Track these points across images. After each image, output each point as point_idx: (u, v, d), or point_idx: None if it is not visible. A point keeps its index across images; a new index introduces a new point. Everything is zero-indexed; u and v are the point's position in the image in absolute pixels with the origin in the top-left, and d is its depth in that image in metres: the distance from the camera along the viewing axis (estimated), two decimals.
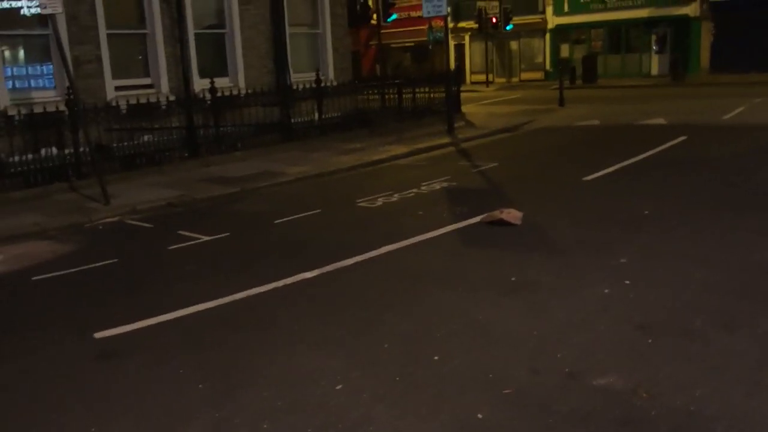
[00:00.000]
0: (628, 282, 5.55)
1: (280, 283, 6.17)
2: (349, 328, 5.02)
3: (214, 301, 5.81)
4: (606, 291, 5.39)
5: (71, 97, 11.21)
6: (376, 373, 4.25)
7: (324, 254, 6.95)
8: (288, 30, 16.68)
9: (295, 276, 6.32)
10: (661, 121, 15.94)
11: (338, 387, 4.10)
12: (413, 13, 35.71)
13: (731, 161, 10.73)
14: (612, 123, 16.43)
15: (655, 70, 32.64)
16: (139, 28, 14.24)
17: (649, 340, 4.45)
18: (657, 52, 32.69)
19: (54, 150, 12.07)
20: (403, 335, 4.81)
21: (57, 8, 9.77)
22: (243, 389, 4.17)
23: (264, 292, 5.99)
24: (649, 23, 32.45)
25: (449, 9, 39.43)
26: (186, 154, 13.82)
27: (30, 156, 11.76)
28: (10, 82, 12.40)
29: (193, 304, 5.75)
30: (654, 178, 9.75)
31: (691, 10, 30.73)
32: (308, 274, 6.36)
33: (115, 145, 12.91)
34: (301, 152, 14.48)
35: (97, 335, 5.29)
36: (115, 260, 7.47)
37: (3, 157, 11.40)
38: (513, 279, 5.80)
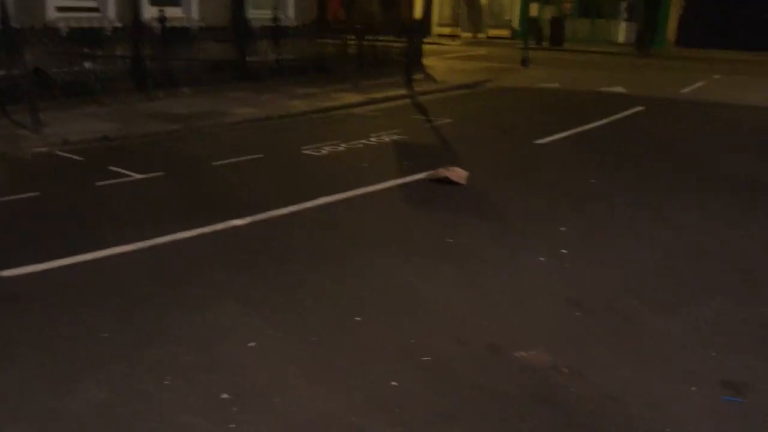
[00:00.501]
0: (564, 251, 5.40)
1: (208, 229, 5.85)
2: (272, 283, 4.76)
3: (135, 243, 5.48)
4: (542, 259, 5.23)
5: (3, 14, 10.49)
6: (294, 332, 4.02)
7: (259, 201, 6.65)
8: None
9: (226, 222, 6.02)
10: (621, 89, 15.83)
11: (251, 344, 3.86)
12: None
13: (683, 136, 10.69)
14: (572, 88, 16.25)
15: (622, 38, 32.46)
16: None
17: (579, 314, 4.30)
18: (626, 20, 32.50)
19: None
20: (328, 294, 4.58)
21: None
22: (151, 342, 3.91)
23: (190, 238, 5.67)
24: None
25: None
26: (131, 87, 13.19)
27: None
28: None
29: (112, 246, 5.41)
30: (605, 146, 9.64)
31: None
32: (239, 221, 6.06)
33: (54, 70, 12.22)
34: (253, 93, 13.97)
35: (4, 273, 4.93)
36: (37, 193, 7.03)
37: None
38: (450, 241, 5.60)
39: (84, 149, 9.15)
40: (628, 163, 8.67)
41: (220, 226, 5.92)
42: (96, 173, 7.80)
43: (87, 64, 12.63)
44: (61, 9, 12.79)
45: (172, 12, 14.31)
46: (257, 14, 15.85)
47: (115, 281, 4.80)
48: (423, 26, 32.11)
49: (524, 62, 20.71)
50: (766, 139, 10.56)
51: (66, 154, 8.88)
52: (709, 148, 9.82)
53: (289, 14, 17.10)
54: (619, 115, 12.17)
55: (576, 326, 4.16)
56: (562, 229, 5.97)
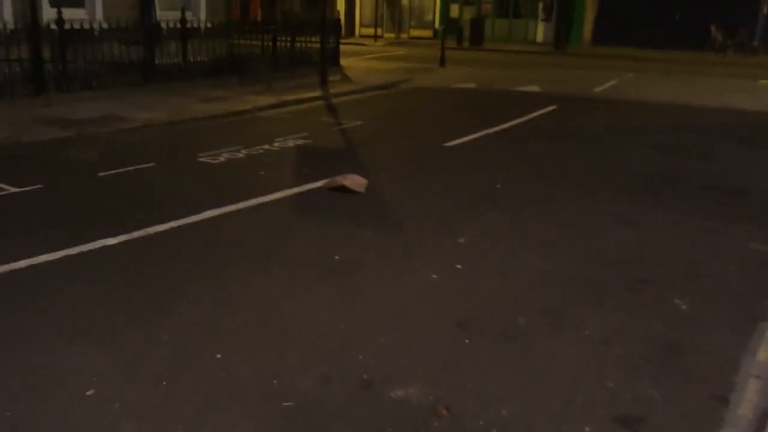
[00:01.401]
0: (459, 267, 5.09)
1: (75, 251, 5.32)
2: (130, 314, 4.27)
3: None
4: (434, 276, 4.90)
5: None
6: (141, 374, 3.56)
7: (139, 216, 6.13)
8: None
9: (96, 242, 5.49)
10: (535, 88, 15.81)
11: (89, 393, 3.38)
12: None
13: (592, 135, 10.61)
14: (488, 87, 16.15)
15: (540, 38, 32.89)
16: None
17: (466, 341, 3.98)
18: (543, 20, 32.89)
19: None
20: (190, 325, 4.12)
21: None
22: None
23: (52, 261, 5.13)
24: None
25: None
26: (28, 91, 12.38)
27: None
28: None
29: None
30: (515, 148, 9.45)
31: None
32: (111, 240, 5.54)
33: None
34: (159, 96, 13.32)
35: None
36: None
37: None
38: (336, 258, 5.22)
39: None
40: (536, 165, 8.49)
41: (88, 246, 5.39)
42: None
43: None
44: None
45: (75, 13, 13.57)
46: (166, 15, 15.18)
47: None
48: (344, 26, 31.77)
49: (442, 62, 20.57)
50: (671, 135, 10.57)
51: None
52: (618, 146, 9.75)
53: (201, 15, 16.47)
54: (532, 115, 12.08)
55: (462, 354, 3.83)
56: (460, 240, 5.67)
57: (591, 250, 5.53)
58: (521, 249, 5.51)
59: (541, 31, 32.90)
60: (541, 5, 32.77)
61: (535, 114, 12.20)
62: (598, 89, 15.98)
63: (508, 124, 11.09)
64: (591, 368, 3.73)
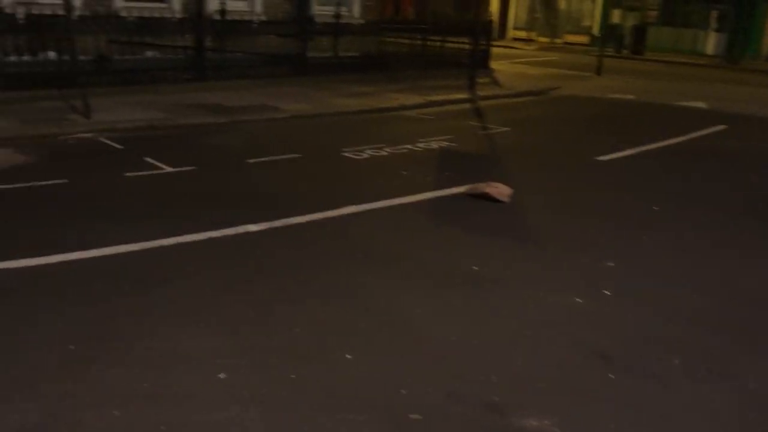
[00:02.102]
0: (607, 293, 4.73)
1: (218, 233, 5.45)
2: (263, 302, 4.29)
3: (137, 243, 5.14)
4: (578, 300, 4.58)
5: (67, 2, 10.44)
6: (270, 365, 3.54)
7: (280, 205, 6.23)
8: None
9: (239, 227, 5.60)
10: (701, 104, 14.75)
11: (220, 376, 3.40)
12: None
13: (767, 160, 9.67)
14: (647, 100, 15.25)
15: (710, 49, 30.76)
16: None
17: (610, 376, 3.66)
18: (715, 30, 30.79)
19: (53, 55, 11.40)
20: (321, 321, 4.07)
21: None
22: (107, 362, 3.49)
23: (196, 242, 5.29)
24: None
25: None
26: (190, 76, 13.07)
27: (27, 58, 11.13)
28: None
29: (111, 245, 5.09)
30: (676, 169, 8.75)
31: None
32: (253, 227, 5.63)
33: (116, 57, 12.19)
34: (308, 89, 13.64)
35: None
36: (65, 181, 6.84)
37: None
38: (474, 268, 5.01)
39: (127, 137, 8.99)
40: (699, 190, 7.79)
41: (231, 230, 5.51)
42: (129, 163, 7.58)
43: (149, 53, 12.58)
44: None
45: (236, 5, 14.18)
46: (321, 10, 15.54)
47: (98, 285, 4.45)
48: (496, 29, 31.31)
49: (599, 70, 19.73)
50: None
51: (108, 141, 8.72)
52: None
53: (354, 11, 16.71)
54: (695, 134, 11.20)
55: (601, 389, 3.52)
56: (610, 264, 5.28)
57: (757, 295, 4.95)
58: (678, 280, 5.04)
59: (711, 42, 30.76)
60: (713, 14, 30.68)
61: (700, 133, 11.32)
62: None
63: (668, 142, 10.36)
64: (739, 424, 3.30)
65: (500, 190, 6.73)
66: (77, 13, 11.40)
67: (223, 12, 12.88)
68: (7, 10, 10.90)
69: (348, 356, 3.66)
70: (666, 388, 3.57)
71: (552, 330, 4.12)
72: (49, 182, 6.74)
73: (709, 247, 5.87)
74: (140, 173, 7.25)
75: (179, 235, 5.33)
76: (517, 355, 3.79)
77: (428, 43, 16.93)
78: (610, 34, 28.65)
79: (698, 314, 4.49)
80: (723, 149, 10.22)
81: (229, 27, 13.18)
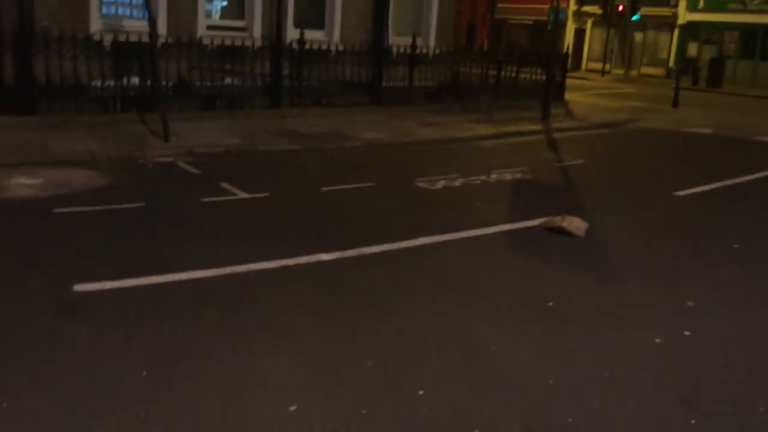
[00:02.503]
0: (687, 333, 4.57)
1: (292, 262, 5.51)
2: (337, 332, 4.30)
3: (212, 270, 5.23)
4: (657, 341, 4.44)
5: (155, 28, 10.88)
6: (343, 398, 3.53)
7: (353, 235, 6.27)
8: None
9: (311, 256, 5.65)
10: None
11: (291, 408, 3.41)
12: None
13: None
14: (726, 134, 14.82)
15: None
16: None
17: (692, 422, 3.52)
18: None
19: (136, 80, 11.87)
20: (394, 353, 4.05)
21: None
22: (181, 386, 3.54)
23: (270, 269, 5.35)
24: None
25: None
26: (266, 103, 13.39)
27: (112, 83, 11.61)
28: (105, 8, 12.21)
29: (188, 269, 5.19)
30: (757, 205, 8.48)
31: None
32: (325, 256, 5.67)
33: (197, 83, 12.59)
34: (382, 117, 13.78)
35: (77, 287, 4.81)
36: (142, 204, 7.04)
37: (85, 81, 11.25)
38: (550, 304, 4.92)
39: (204, 161, 9.22)
40: None
41: (304, 259, 5.57)
42: (205, 188, 7.77)
43: (228, 79, 12.93)
44: (211, 27, 13.27)
45: (315, 35, 14.46)
46: (398, 40, 15.70)
47: (174, 308, 4.53)
48: (571, 59, 31.03)
49: (675, 103, 19.29)
50: None
51: (185, 166, 8.96)
52: None
53: (430, 41, 16.83)
54: None
55: None
56: (689, 303, 5.11)
57: None
58: (762, 319, 4.85)
59: None
60: None
61: None
62: None
63: (749, 177, 10.03)
64: None
65: (576, 224, 6.61)
66: (161, 40, 11.85)
67: (301, 41, 13.15)
68: (95, 37, 11.39)
69: (420, 391, 3.62)
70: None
71: (630, 370, 4.00)
72: (127, 205, 6.93)
73: None
74: (215, 198, 7.42)
75: (253, 261, 5.40)
76: (593, 395, 3.68)
77: (503, 73, 16.89)
78: (686, 66, 28.03)
79: None
80: None
81: (307, 55, 13.44)
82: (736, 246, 6.66)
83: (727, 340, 4.52)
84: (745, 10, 30.52)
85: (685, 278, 5.65)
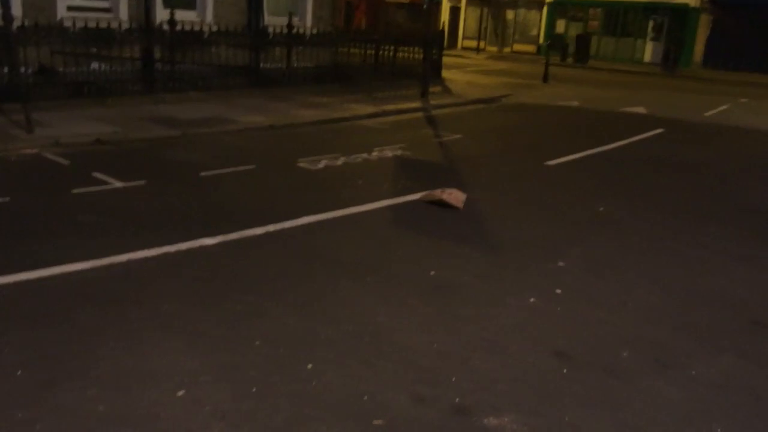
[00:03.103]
0: (559, 291, 4.86)
1: (173, 248, 5.40)
2: (224, 315, 4.28)
3: (89, 261, 5.04)
4: (531, 300, 4.70)
5: (8, 11, 10.20)
6: (232, 379, 3.53)
7: (236, 218, 6.20)
8: None
9: (194, 241, 5.56)
10: (641, 110, 15.23)
11: (180, 393, 3.37)
12: None
13: (703, 163, 10.08)
14: (591, 107, 15.68)
15: (648, 58, 31.80)
16: None
17: (564, 371, 3.76)
18: (652, 40, 31.79)
19: None
20: (282, 332, 4.08)
21: None
22: (65, 384, 3.42)
23: (151, 258, 5.22)
24: (648, 8, 31.46)
25: None
26: (139, 89, 12.88)
27: None
28: None
29: (63, 263, 4.97)
30: (619, 171, 9.08)
31: (691, 0, 29.76)
32: (209, 240, 5.60)
33: (60, 69, 11.94)
34: (262, 100, 13.58)
35: None
36: (7, 199, 6.64)
37: None
38: (432, 273, 5.09)
39: (73, 153, 8.78)
40: (641, 190, 8.11)
41: (186, 245, 5.46)
42: (77, 179, 7.42)
43: (95, 65, 12.34)
44: (72, 8, 12.59)
45: (187, 15, 14.04)
46: (273, 20, 15.50)
47: (52, 305, 4.34)
48: (447, 38, 31.65)
49: (546, 78, 20.15)
50: None
51: (53, 157, 8.51)
52: (731, 176, 9.21)
53: (307, 22, 16.74)
54: (636, 138, 11.60)
55: (559, 386, 3.62)
56: (561, 264, 5.43)
57: (702, 287, 5.19)
58: (626, 278, 5.24)
59: (649, 51, 31.80)
60: (651, 24, 31.68)
61: (640, 137, 11.72)
62: (708, 113, 15.23)
63: (612, 146, 10.69)
64: (697, 411, 3.46)
65: (455, 196, 6.83)
66: (17, 23, 11.14)
67: (172, 22, 12.72)
68: None
69: (309, 366, 3.67)
70: (616, 379, 3.70)
71: (508, 330, 4.23)
72: None
73: (654, 246, 6.08)
74: (88, 189, 7.10)
75: (132, 251, 5.25)
76: (476, 357, 3.86)
77: (381, 53, 17.03)
78: (555, 43, 29.30)
79: (647, 310, 4.68)
80: (662, 151, 10.60)
81: (179, 37, 13.02)
82: (601, 209, 7.10)
83: (594, 295, 4.86)
84: None
85: (557, 242, 5.99)
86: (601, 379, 3.71)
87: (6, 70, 10.79)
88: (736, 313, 4.73)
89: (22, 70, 10.68)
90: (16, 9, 11.56)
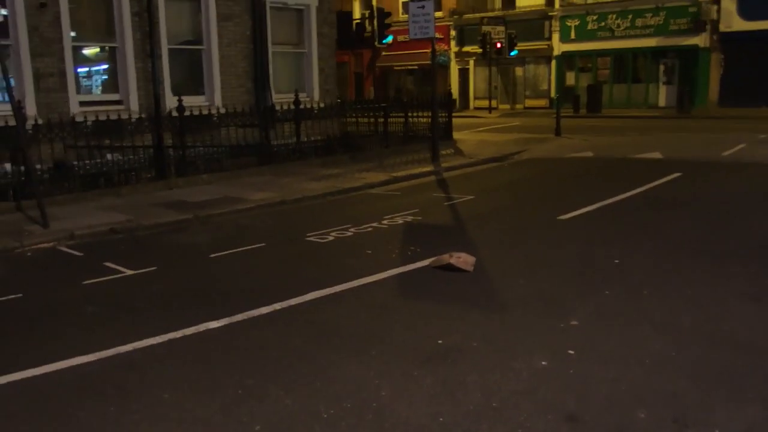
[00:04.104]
0: (572, 352, 4.68)
1: (179, 334, 5.35)
2: (225, 401, 4.17)
3: (94, 354, 5.00)
4: (543, 364, 4.52)
5: (21, 111, 10.51)
6: None
7: (243, 298, 6.15)
8: (271, 48, 16.01)
9: (199, 325, 5.50)
10: (657, 155, 15.08)
11: None
12: None
13: (722, 203, 9.85)
14: (605, 155, 15.58)
15: (662, 102, 31.74)
16: (108, 42, 13.59)
17: None
18: (665, 83, 31.81)
19: (8, 167, 11.38)
20: (284, 414, 3.96)
21: None
22: None
23: (155, 345, 5.17)
24: (658, 53, 31.57)
25: (454, 33, 38.84)
26: (151, 176, 13.10)
27: None
28: None
29: (68, 357, 4.94)
30: (635, 220, 8.89)
31: (700, 40, 29.81)
32: (214, 324, 5.54)
33: (75, 163, 12.20)
34: (273, 177, 13.72)
35: None
36: (20, 295, 6.69)
37: None
38: (439, 342, 4.95)
39: (87, 243, 8.89)
40: (658, 237, 7.92)
41: (191, 330, 5.41)
42: (88, 270, 7.47)
43: (109, 156, 12.59)
44: (84, 103, 12.94)
45: (195, 100, 14.35)
46: (281, 98, 15.78)
47: (52, 403, 4.29)
48: (458, 100, 32.04)
49: (558, 131, 20.16)
50: None
51: (67, 250, 8.62)
52: (750, 216, 8.97)
53: (314, 95, 17.03)
54: (653, 184, 11.42)
55: None
56: (574, 322, 5.26)
57: (720, 332, 4.98)
58: (639, 331, 5.04)
59: (663, 95, 31.75)
60: (662, 68, 31.76)
61: (656, 183, 11.54)
62: (725, 153, 15.01)
63: (627, 194, 10.53)
64: None
65: (464, 260, 6.73)
66: (30, 122, 11.47)
67: (181, 108, 12.99)
68: None
69: None
70: None
71: (517, 396, 4.06)
72: (2, 299, 6.57)
73: (670, 294, 5.88)
74: (98, 279, 7.14)
75: (137, 340, 5.21)
76: (482, 427, 3.69)
77: (391, 119, 17.18)
78: (566, 95, 29.45)
79: (664, 364, 4.47)
80: (678, 196, 10.43)
81: (189, 122, 13.27)
82: (616, 261, 6.93)
83: (608, 353, 4.66)
84: (613, 37, 32.41)
85: (569, 299, 5.82)
86: None
87: (22, 168, 11.06)
88: (757, 358, 4.50)
89: (38, 166, 10.94)
90: (31, 108, 11.92)
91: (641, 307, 5.57)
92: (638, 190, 10.95)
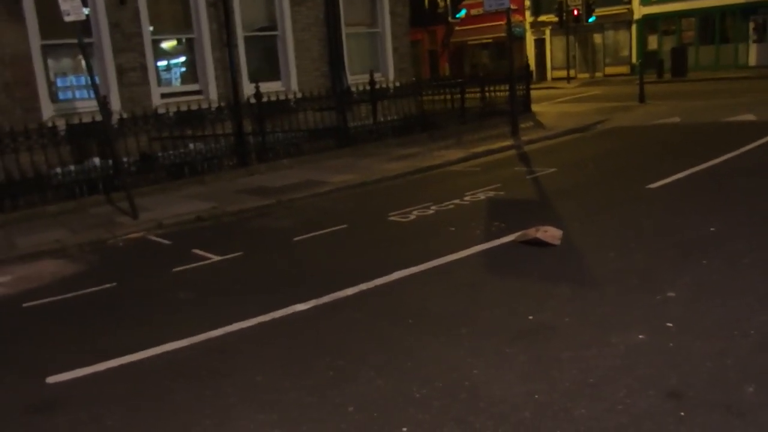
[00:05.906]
0: (670, 325, 4.47)
1: (268, 317, 5.40)
2: (316, 381, 4.18)
3: (187, 339, 5.12)
4: (641, 337, 4.34)
5: (106, 106, 10.86)
6: None
7: (328, 280, 6.16)
8: (344, 30, 15.99)
9: (287, 308, 5.55)
10: (750, 117, 14.30)
11: None
12: None
13: None
14: (694, 121, 14.89)
15: (753, 61, 30.12)
16: (185, 33, 13.87)
17: (681, 414, 3.40)
18: (755, 42, 30.16)
19: (96, 161, 11.82)
20: (376, 395, 3.93)
21: (80, 15, 9.36)
22: None
23: (246, 329, 5.24)
24: (747, 9, 29.91)
25: (528, 3, 37.90)
26: (233, 163, 13.35)
27: (72, 168, 11.55)
28: (57, 93, 12.23)
29: (162, 343, 5.06)
30: (729, 186, 8.43)
31: None
32: (301, 306, 5.57)
33: (159, 154, 12.55)
34: (352, 159, 13.75)
35: (50, 380, 4.70)
36: (114, 284, 6.92)
37: (45, 170, 11.17)
38: (530, 318, 4.82)
39: (175, 232, 9.13)
40: (755, 205, 7.47)
41: (280, 312, 5.46)
42: (177, 258, 7.65)
43: (191, 145, 12.89)
44: (165, 95, 13.28)
45: (272, 86, 14.50)
46: (356, 79, 15.76)
47: (147, 387, 4.41)
48: (536, 72, 31.31)
49: (642, 98, 19.41)
50: None
51: (156, 239, 8.86)
52: None
53: (389, 75, 16.94)
54: (747, 147, 10.83)
55: (673, 429, 3.27)
56: (671, 294, 5.02)
57: None
58: (743, 303, 4.75)
59: (753, 54, 30.11)
60: (751, 25, 30.09)
61: (750, 146, 10.93)
62: None
63: (719, 159, 10.02)
64: None
65: (550, 234, 6.54)
66: (116, 116, 11.83)
67: (258, 95, 13.16)
68: (48, 125, 11.34)
69: (404, 429, 3.50)
70: (742, 419, 3.30)
71: (615, 372, 3.89)
72: (98, 288, 6.81)
73: (766, 262, 5.54)
74: (187, 266, 7.31)
75: (228, 324, 5.30)
76: (580, 405, 3.56)
77: (467, 95, 16.93)
78: (648, 60, 28.32)
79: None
80: None
81: (267, 108, 13.44)
82: (713, 229, 6.59)
83: (710, 326, 4.43)
84: None
85: (665, 271, 5.56)
86: (724, 420, 3.32)
87: (110, 162, 11.45)
88: None
89: (125, 159, 11.31)
90: (115, 103, 12.31)
91: (742, 278, 5.27)
92: (731, 154, 10.40)
